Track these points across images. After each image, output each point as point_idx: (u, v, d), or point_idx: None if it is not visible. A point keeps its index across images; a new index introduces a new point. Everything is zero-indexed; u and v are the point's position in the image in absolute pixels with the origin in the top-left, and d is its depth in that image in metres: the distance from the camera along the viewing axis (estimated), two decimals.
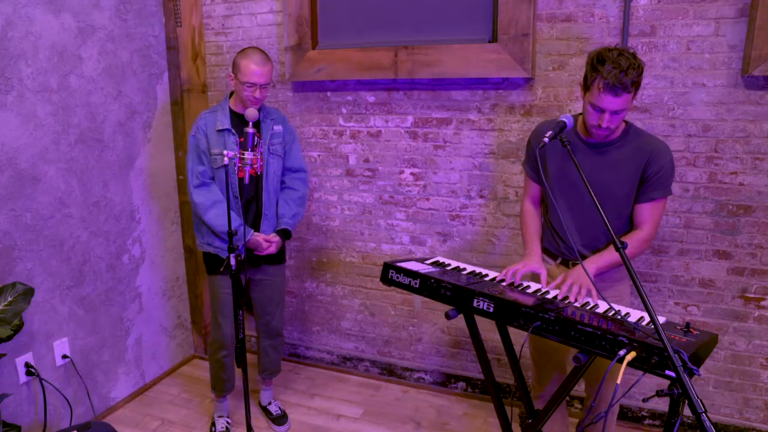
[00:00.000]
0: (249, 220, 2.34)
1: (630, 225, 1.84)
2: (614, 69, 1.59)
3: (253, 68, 2.17)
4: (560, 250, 1.91)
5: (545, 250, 2.00)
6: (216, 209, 2.28)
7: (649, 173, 1.74)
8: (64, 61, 2.32)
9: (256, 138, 2.17)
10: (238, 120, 2.29)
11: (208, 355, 2.58)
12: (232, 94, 2.33)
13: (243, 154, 1.91)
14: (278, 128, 2.37)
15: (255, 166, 2.24)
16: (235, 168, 2.26)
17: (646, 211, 1.79)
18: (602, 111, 1.66)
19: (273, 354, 2.62)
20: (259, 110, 2.32)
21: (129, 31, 2.63)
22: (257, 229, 2.34)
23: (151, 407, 2.75)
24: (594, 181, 1.77)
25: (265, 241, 2.31)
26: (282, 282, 2.54)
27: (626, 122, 1.81)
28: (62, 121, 2.33)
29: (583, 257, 1.83)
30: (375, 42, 2.62)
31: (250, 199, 2.33)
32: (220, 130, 2.27)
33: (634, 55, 1.62)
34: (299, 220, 2.45)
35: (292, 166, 2.44)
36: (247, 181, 1.96)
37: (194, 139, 2.31)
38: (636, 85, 1.63)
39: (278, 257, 2.46)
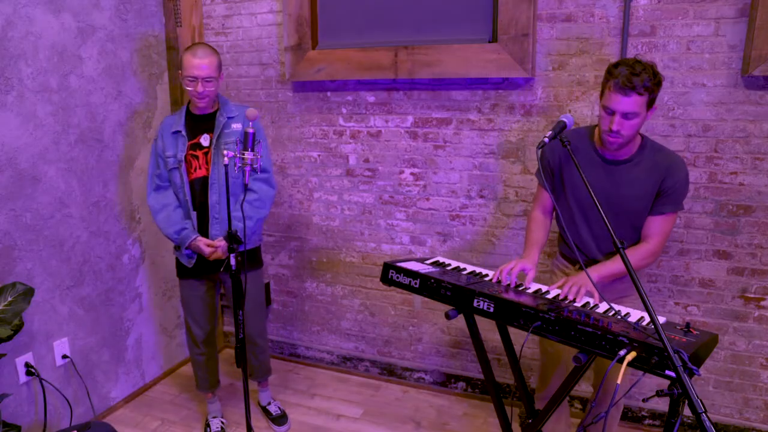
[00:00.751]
0: (202, 223, 2.29)
1: None
2: (626, 70, 1.60)
3: (192, 61, 2.14)
4: (577, 257, 1.91)
5: (564, 255, 2.02)
6: (164, 212, 2.28)
7: (664, 188, 1.75)
8: (64, 61, 2.32)
9: (210, 138, 2.15)
10: (193, 120, 2.28)
11: None
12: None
13: (243, 154, 1.90)
14: (236, 126, 2.27)
15: (204, 167, 2.23)
16: (184, 170, 2.25)
17: (655, 224, 1.79)
18: (613, 113, 1.65)
19: (254, 361, 2.58)
20: (218, 105, 2.29)
21: (129, 31, 2.63)
22: (205, 233, 2.28)
23: (151, 407, 2.75)
24: (612, 196, 1.79)
25: (207, 246, 2.23)
26: (254, 289, 2.44)
27: (642, 137, 1.80)
28: (62, 121, 2.33)
29: (595, 263, 1.84)
30: (375, 42, 2.62)
31: (204, 202, 2.27)
32: (173, 132, 2.27)
33: (653, 66, 1.63)
34: (254, 224, 2.28)
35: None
36: (247, 180, 1.95)
37: (154, 143, 2.33)
38: (648, 90, 1.61)
39: (249, 263, 2.37)
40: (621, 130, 1.66)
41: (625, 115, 1.63)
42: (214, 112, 2.29)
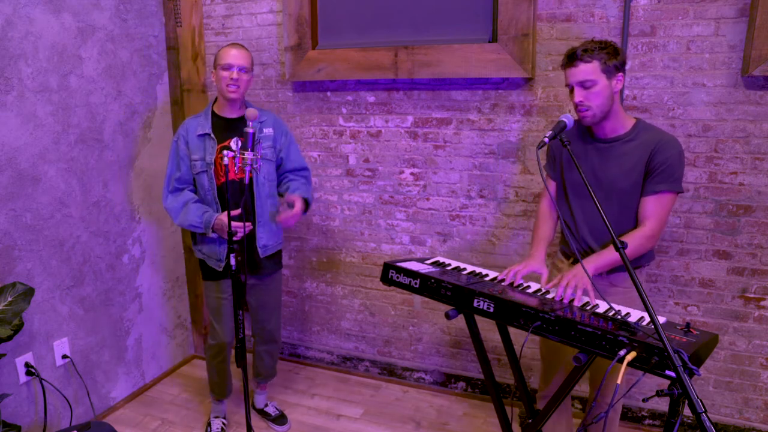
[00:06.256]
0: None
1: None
2: (572, 48, 1.74)
3: (229, 51, 2.18)
4: (572, 250, 1.91)
5: (561, 251, 2.02)
6: (184, 208, 2.25)
7: (654, 164, 1.72)
8: (64, 61, 2.32)
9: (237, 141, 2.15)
10: (222, 123, 2.26)
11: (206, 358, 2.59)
12: (216, 100, 2.30)
13: (243, 154, 1.90)
14: (268, 131, 2.30)
15: (232, 170, 2.20)
16: (213, 173, 2.23)
17: (649, 205, 1.75)
18: (573, 89, 1.73)
19: (268, 359, 2.60)
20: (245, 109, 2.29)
21: (129, 31, 2.63)
22: (253, 238, 2.28)
23: (151, 407, 2.75)
24: (602, 175, 1.80)
25: (234, 220, 2.16)
26: (277, 288, 2.50)
27: (636, 119, 1.81)
28: (62, 121, 2.33)
29: (592, 252, 1.84)
30: (375, 42, 2.62)
31: (238, 204, 2.25)
32: (200, 135, 2.24)
33: (605, 41, 1.72)
34: (312, 199, 2.35)
35: (294, 167, 2.38)
36: (247, 180, 1.95)
37: (175, 145, 2.29)
38: (592, 54, 1.67)
39: (275, 264, 2.43)
40: (584, 100, 1.71)
41: (582, 85, 1.70)
42: (243, 117, 2.28)
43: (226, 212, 2.17)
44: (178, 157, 2.27)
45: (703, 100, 2.19)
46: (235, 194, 2.25)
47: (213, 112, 2.29)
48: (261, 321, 2.49)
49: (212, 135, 2.23)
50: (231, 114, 2.27)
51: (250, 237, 2.28)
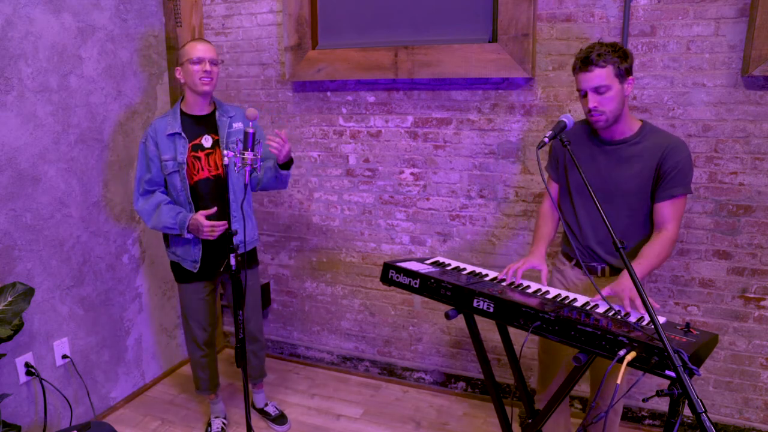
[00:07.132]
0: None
1: (647, 225, 1.82)
2: (583, 51, 1.70)
3: (197, 45, 2.17)
4: (574, 253, 1.91)
5: (563, 253, 2.02)
6: (157, 210, 2.22)
7: (666, 169, 1.72)
8: (64, 61, 2.32)
9: (209, 138, 2.12)
10: (191, 121, 2.24)
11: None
12: (183, 99, 2.28)
13: (243, 154, 1.90)
14: (238, 125, 2.27)
15: (206, 168, 2.21)
16: (185, 172, 2.21)
17: (667, 209, 1.75)
18: (586, 93, 1.72)
19: (254, 360, 2.57)
20: (214, 107, 2.29)
21: (129, 31, 2.63)
22: (224, 235, 2.24)
23: (151, 407, 2.75)
24: (607, 178, 1.80)
25: (206, 219, 2.13)
26: (254, 286, 2.47)
27: (643, 121, 1.81)
28: (62, 121, 2.33)
29: (596, 253, 1.84)
30: (375, 42, 2.62)
31: (214, 201, 2.23)
32: (170, 135, 2.21)
33: (613, 43, 1.71)
34: (286, 179, 2.28)
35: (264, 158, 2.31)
36: (247, 180, 1.95)
37: (143, 147, 2.24)
38: (606, 58, 1.65)
39: (250, 261, 2.41)
40: (599, 106, 1.70)
41: (597, 90, 1.69)
42: (212, 113, 2.28)
43: (200, 212, 2.17)
44: (147, 158, 2.23)
45: (703, 100, 2.19)
46: (211, 193, 2.24)
47: (181, 111, 2.26)
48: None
49: (183, 134, 2.21)
50: (201, 111, 2.26)
51: (224, 234, 2.21)
